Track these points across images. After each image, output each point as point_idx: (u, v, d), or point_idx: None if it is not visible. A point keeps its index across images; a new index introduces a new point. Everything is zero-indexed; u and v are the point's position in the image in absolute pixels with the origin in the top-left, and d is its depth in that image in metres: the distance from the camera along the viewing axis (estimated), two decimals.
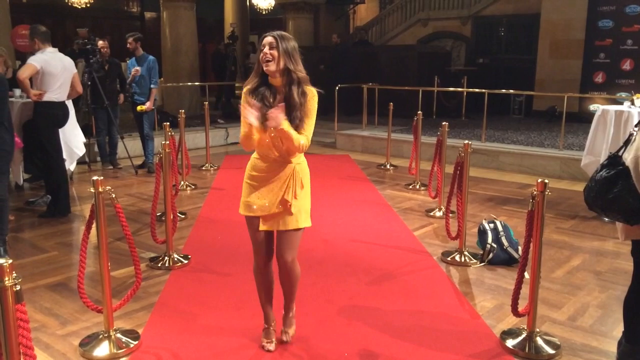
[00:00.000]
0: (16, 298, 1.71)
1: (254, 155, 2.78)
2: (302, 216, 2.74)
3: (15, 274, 1.70)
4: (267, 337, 2.94)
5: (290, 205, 2.68)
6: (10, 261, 1.69)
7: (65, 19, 15.96)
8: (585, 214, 5.37)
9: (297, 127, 2.60)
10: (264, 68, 2.59)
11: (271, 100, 2.63)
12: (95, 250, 4.06)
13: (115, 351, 2.90)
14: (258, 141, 2.68)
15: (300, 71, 2.63)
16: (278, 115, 2.48)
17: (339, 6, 17.12)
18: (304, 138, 2.60)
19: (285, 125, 2.52)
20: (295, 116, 2.60)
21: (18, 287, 1.71)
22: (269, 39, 2.60)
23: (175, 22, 11.69)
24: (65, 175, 5.65)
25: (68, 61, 5.50)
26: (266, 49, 2.58)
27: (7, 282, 1.68)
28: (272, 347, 2.90)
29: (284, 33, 2.66)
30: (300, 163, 2.75)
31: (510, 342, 2.99)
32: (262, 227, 2.73)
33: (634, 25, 10.25)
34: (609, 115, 5.46)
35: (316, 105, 2.68)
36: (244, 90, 2.70)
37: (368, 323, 3.24)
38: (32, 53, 5.42)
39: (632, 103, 5.59)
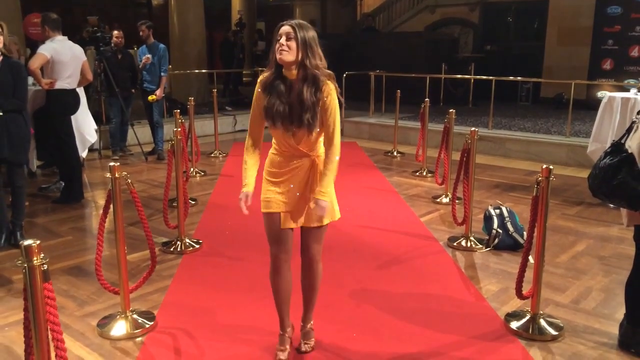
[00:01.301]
0: (44, 277, 1.80)
1: (272, 150, 2.63)
2: (329, 210, 2.60)
3: (42, 255, 1.79)
4: (282, 345, 2.76)
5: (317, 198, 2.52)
6: (38, 242, 1.78)
7: (73, 7, 16.00)
8: (590, 201, 5.42)
9: (310, 127, 2.45)
10: (278, 57, 2.41)
11: (287, 95, 2.48)
12: (109, 234, 4.16)
13: (131, 331, 3.00)
14: (275, 137, 2.58)
15: (317, 67, 2.44)
16: (324, 212, 2.47)
17: None
18: (334, 156, 2.52)
19: (326, 195, 2.47)
20: (307, 118, 2.44)
21: (45, 267, 1.80)
22: (286, 28, 2.42)
23: (183, 10, 11.73)
24: (79, 162, 5.75)
25: (78, 49, 5.56)
26: (283, 40, 2.40)
27: (35, 261, 1.77)
28: (284, 356, 2.73)
29: (302, 22, 2.48)
30: (320, 155, 2.61)
31: (515, 324, 3.07)
32: (286, 224, 2.59)
33: None
34: (615, 102, 5.49)
35: (336, 102, 2.50)
36: (260, 79, 2.55)
37: (376, 306, 3.33)
38: (43, 41, 5.50)
39: (639, 90, 5.61)
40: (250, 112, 2.60)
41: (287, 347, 2.78)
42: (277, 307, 2.75)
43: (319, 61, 2.47)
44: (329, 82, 2.49)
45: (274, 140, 2.62)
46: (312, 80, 2.45)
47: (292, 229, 2.63)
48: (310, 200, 2.57)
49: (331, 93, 2.48)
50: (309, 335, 2.85)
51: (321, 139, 2.60)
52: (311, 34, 2.45)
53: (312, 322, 2.87)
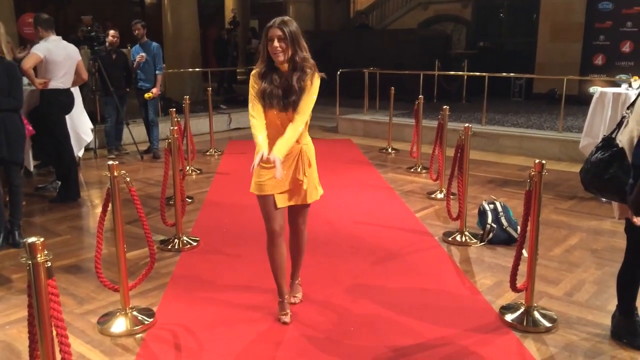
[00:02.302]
0: (47, 274, 1.83)
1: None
2: (313, 191, 3.01)
3: (46, 252, 1.82)
4: (283, 310, 3.10)
5: (302, 183, 2.91)
6: (42, 239, 1.81)
7: (66, 6, 15.97)
8: (583, 195, 5.49)
9: (294, 107, 2.77)
10: (275, 59, 2.74)
11: (279, 82, 2.79)
12: (106, 233, 4.19)
13: (132, 328, 3.03)
14: (268, 124, 2.84)
15: (304, 59, 2.78)
16: (278, 169, 2.63)
17: None
18: (298, 124, 2.76)
19: (280, 153, 2.68)
20: (291, 100, 2.78)
21: (49, 264, 1.83)
22: (276, 31, 2.71)
23: (177, 8, 11.72)
24: (75, 161, 5.77)
25: (72, 48, 5.57)
26: (275, 43, 2.70)
27: (39, 258, 1.80)
28: (287, 319, 3.07)
29: (285, 19, 2.77)
30: (307, 144, 2.95)
31: (509, 317, 3.12)
32: (279, 204, 2.91)
33: (634, 7, 10.27)
34: (606, 97, 5.55)
35: (317, 83, 2.81)
36: (253, 73, 2.87)
37: (373, 300, 3.38)
38: (36, 42, 5.50)
39: (630, 85, 5.68)
40: (250, 99, 2.85)
41: (288, 311, 3.10)
42: (275, 276, 3.09)
43: (305, 53, 2.80)
44: (315, 72, 2.81)
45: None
46: (301, 70, 2.78)
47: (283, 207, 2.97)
48: (299, 183, 2.91)
49: (315, 80, 2.81)
50: (297, 289, 3.31)
51: (306, 130, 2.92)
52: (294, 26, 2.78)
53: (299, 278, 3.35)
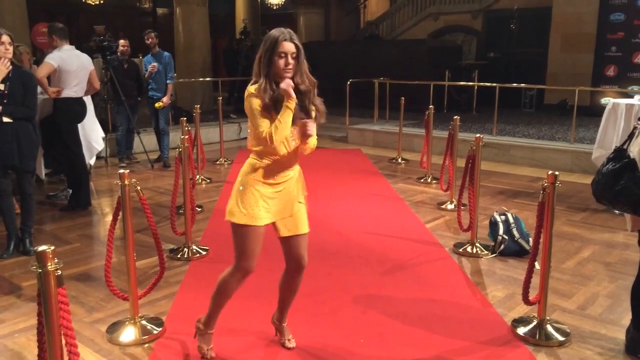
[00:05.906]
0: (58, 282, 1.83)
1: (263, 162, 2.53)
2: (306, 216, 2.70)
3: (57, 260, 1.82)
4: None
5: (301, 205, 2.66)
6: (52, 248, 1.81)
7: (78, 16, 16.16)
8: (595, 207, 5.43)
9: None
10: (285, 76, 2.42)
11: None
12: (116, 241, 4.19)
13: (140, 337, 3.02)
14: (276, 158, 2.53)
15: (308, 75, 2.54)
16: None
17: (349, 1, 17.15)
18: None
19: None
20: (314, 111, 2.58)
21: (59, 272, 1.83)
22: (291, 47, 2.40)
23: (189, 18, 11.83)
24: (86, 170, 5.80)
25: (85, 58, 5.62)
26: (289, 59, 2.41)
27: (50, 267, 1.80)
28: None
29: (293, 32, 2.48)
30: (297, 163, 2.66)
31: (521, 330, 3.08)
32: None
33: None
34: (619, 108, 5.51)
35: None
36: (252, 91, 2.48)
37: (382, 311, 3.35)
38: (49, 51, 5.56)
39: None
40: (259, 114, 2.48)
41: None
42: (221, 307, 2.81)
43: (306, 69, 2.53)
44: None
45: (264, 155, 2.54)
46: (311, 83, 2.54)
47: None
48: (299, 206, 2.64)
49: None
50: (288, 332, 2.96)
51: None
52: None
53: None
